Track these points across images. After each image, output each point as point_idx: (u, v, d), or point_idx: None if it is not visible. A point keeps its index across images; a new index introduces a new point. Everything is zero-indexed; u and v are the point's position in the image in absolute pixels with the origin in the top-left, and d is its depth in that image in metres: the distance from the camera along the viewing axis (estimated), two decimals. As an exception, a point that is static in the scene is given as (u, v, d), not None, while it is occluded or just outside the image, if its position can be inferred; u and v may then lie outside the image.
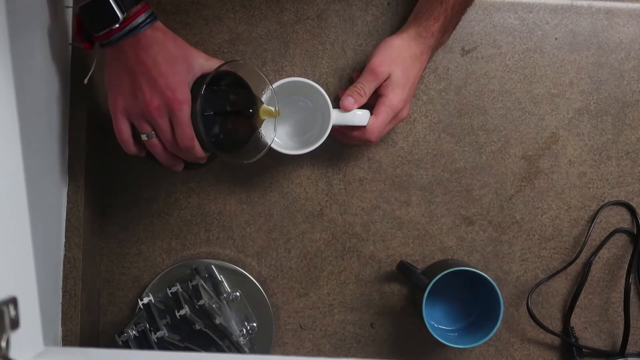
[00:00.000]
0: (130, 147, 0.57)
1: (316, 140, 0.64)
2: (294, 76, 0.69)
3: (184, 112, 0.54)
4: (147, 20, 0.52)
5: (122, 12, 0.51)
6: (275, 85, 0.63)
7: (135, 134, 0.57)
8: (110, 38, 0.52)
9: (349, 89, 0.65)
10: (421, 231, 0.73)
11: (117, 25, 0.51)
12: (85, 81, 0.61)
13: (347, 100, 0.64)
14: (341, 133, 0.68)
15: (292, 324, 0.73)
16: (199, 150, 0.56)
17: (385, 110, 0.64)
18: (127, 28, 0.51)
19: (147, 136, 0.56)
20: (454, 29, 0.68)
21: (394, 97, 0.64)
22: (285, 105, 0.68)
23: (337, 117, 0.64)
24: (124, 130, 0.56)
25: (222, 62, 0.58)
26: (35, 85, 0.55)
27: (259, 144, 0.61)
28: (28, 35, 0.53)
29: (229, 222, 0.72)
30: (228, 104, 0.60)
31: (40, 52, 0.57)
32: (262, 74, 0.60)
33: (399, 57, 0.65)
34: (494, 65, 0.73)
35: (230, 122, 0.60)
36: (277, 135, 0.65)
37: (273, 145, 0.63)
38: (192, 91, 0.55)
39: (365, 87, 0.64)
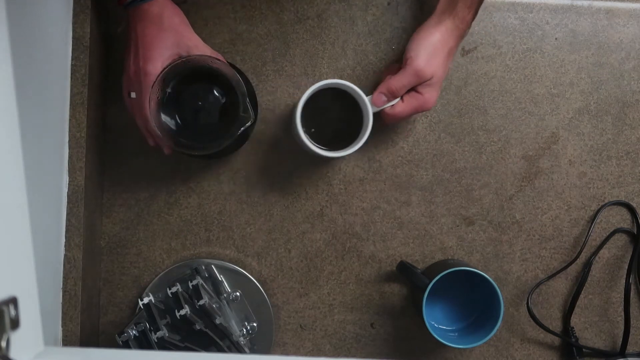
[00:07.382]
0: (126, 100, 0.64)
1: (358, 138, 0.64)
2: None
3: (146, 83, 0.59)
4: None
5: None
6: (310, 90, 0.63)
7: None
8: (124, 3, 0.60)
9: (383, 85, 0.64)
10: (421, 231, 0.73)
11: None
12: (119, 30, 0.71)
13: (380, 99, 0.64)
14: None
15: (292, 324, 0.73)
16: (148, 122, 0.60)
17: (415, 106, 0.64)
18: None
19: (131, 95, 0.63)
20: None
21: (431, 98, 0.65)
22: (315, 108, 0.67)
23: (372, 106, 0.64)
24: (124, 86, 0.64)
25: (215, 54, 0.62)
26: (35, 85, 0.55)
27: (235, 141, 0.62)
28: (28, 33, 0.53)
29: (229, 222, 0.72)
30: (209, 100, 0.62)
31: (40, 50, 0.57)
32: (240, 80, 0.60)
33: (442, 56, 0.63)
34: (494, 65, 0.73)
35: (207, 114, 0.62)
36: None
37: (316, 149, 0.63)
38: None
39: (403, 89, 0.64)
